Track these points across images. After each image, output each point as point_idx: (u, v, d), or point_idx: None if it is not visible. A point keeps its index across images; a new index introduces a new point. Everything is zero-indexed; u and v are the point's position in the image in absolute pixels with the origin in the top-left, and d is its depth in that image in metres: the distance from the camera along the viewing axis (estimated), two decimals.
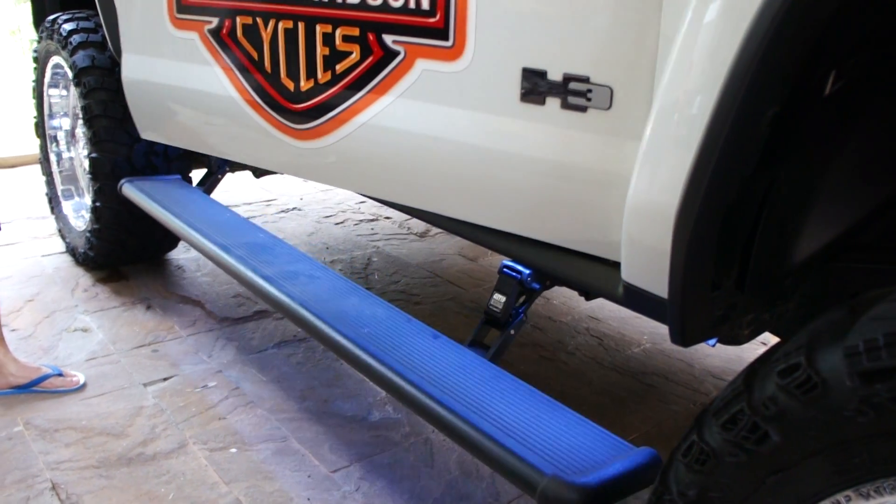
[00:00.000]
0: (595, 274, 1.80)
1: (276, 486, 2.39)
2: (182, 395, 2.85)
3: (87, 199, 3.77)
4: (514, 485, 1.70)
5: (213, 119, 2.90)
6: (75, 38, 3.53)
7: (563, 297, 3.81)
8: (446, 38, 1.92)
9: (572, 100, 1.70)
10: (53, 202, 4.15)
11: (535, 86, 1.75)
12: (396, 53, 2.06)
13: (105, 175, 3.48)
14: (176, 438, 2.59)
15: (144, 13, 3.04)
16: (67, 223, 4.02)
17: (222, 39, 2.63)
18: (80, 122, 3.57)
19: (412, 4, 1.98)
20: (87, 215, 3.74)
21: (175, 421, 2.69)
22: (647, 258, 1.53)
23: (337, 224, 4.82)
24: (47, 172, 4.13)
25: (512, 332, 2.19)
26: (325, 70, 2.29)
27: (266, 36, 2.45)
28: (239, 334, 3.33)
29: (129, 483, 2.37)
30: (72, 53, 3.51)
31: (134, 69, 3.19)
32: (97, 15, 3.43)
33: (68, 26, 3.59)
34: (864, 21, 1.29)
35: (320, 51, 2.28)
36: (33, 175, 5.05)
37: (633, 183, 1.51)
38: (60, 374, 2.86)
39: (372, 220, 4.89)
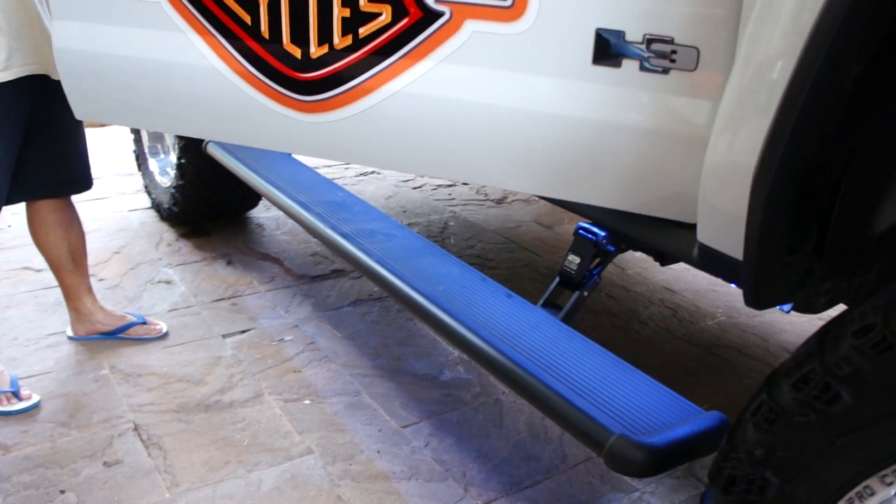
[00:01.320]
0: (670, 236, 1.78)
1: (348, 437, 2.44)
2: (259, 348, 2.93)
3: (173, 157, 3.87)
4: (582, 443, 1.71)
5: (184, 94, 2.47)
6: None
7: (637, 268, 3.78)
8: None
9: (654, 62, 1.66)
10: (140, 159, 4.27)
11: (611, 47, 1.69)
12: (440, 14, 1.87)
13: None
14: (252, 388, 2.67)
15: None
16: (153, 180, 4.13)
17: (199, 2, 2.26)
18: None
19: None
20: (172, 172, 3.85)
21: (252, 372, 2.76)
22: (724, 219, 1.51)
23: (415, 188, 4.86)
24: (135, 130, 4.24)
25: (585, 293, 2.19)
26: (343, 34, 2.04)
27: None
28: (316, 291, 3.40)
29: (206, 428, 2.45)
30: None
31: (70, 39, 2.59)
32: None
33: None
34: None
35: (338, 13, 2.02)
36: (122, 133, 5.18)
37: (711, 143, 1.49)
38: (144, 323, 2.96)
39: (449, 186, 4.91)
